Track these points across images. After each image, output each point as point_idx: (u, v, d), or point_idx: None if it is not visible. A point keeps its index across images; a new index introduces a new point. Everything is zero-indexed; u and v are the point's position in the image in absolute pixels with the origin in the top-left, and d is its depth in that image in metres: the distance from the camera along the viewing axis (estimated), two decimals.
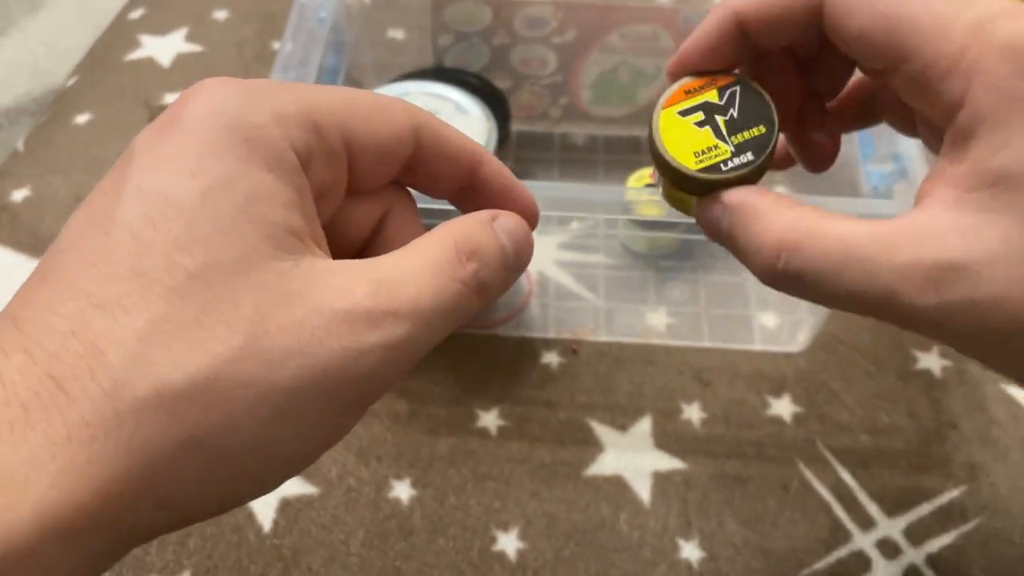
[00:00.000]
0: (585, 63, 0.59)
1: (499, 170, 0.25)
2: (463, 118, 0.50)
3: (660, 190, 0.27)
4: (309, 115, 0.21)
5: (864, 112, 0.30)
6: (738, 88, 0.25)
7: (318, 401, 0.19)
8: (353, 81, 0.59)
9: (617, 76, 0.59)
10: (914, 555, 0.44)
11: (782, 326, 0.53)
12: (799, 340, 0.52)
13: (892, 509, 0.45)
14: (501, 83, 0.58)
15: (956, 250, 0.20)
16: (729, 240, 0.25)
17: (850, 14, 0.23)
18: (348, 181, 0.23)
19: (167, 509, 0.18)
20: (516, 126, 0.61)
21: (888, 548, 0.44)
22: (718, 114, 0.25)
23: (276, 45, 0.69)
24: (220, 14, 0.73)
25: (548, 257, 0.56)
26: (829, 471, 0.47)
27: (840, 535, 0.44)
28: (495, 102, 0.53)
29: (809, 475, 0.47)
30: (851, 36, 0.23)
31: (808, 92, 0.29)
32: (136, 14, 0.73)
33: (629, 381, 0.50)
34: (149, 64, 0.68)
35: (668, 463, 0.47)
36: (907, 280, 0.20)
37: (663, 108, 0.25)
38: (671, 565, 0.43)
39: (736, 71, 0.26)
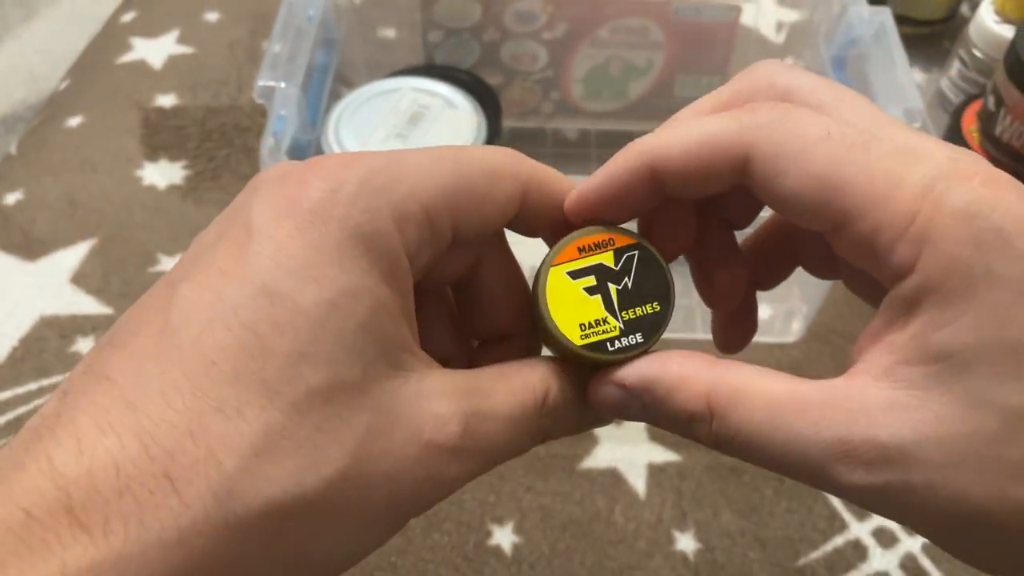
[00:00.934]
0: (576, 58, 0.59)
1: None
2: (452, 112, 0.50)
3: (537, 328, 0.24)
4: (425, 209, 0.21)
5: (778, 258, 0.27)
6: (636, 254, 0.23)
7: (398, 518, 0.20)
8: (344, 79, 0.59)
9: (608, 70, 0.59)
10: (911, 543, 0.44)
11: (776, 317, 0.53)
12: (793, 331, 0.52)
13: None
14: (492, 79, 0.58)
15: (886, 430, 0.18)
16: (650, 418, 0.22)
17: (781, 175, 0.20)
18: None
19: None
20: (508, 122, 0.61)
21: (884, 537, 0.44)
22: (611, 281, 0.23)
23: None
24: (211, 15, 0.73)
25: (540, 252, 0.55)
26: None
27: (836, 524, 0.44)
28: (486, 98, 0.53)
29: None
30: (782, 198, 0.20)
31: (715, 219, 0.25)
32: (127, 17, 0.73)
33: None
34: (141, 66, 0.68)
35: (663, 455, 0.47)
36: (835, 456, 0.19)
37: (552, 265, 0.22)
38: (667, 556, 0.43)
39: (634, 233, 0.24)
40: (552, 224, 0.24)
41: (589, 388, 0.23)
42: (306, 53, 0.47)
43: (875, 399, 0.19)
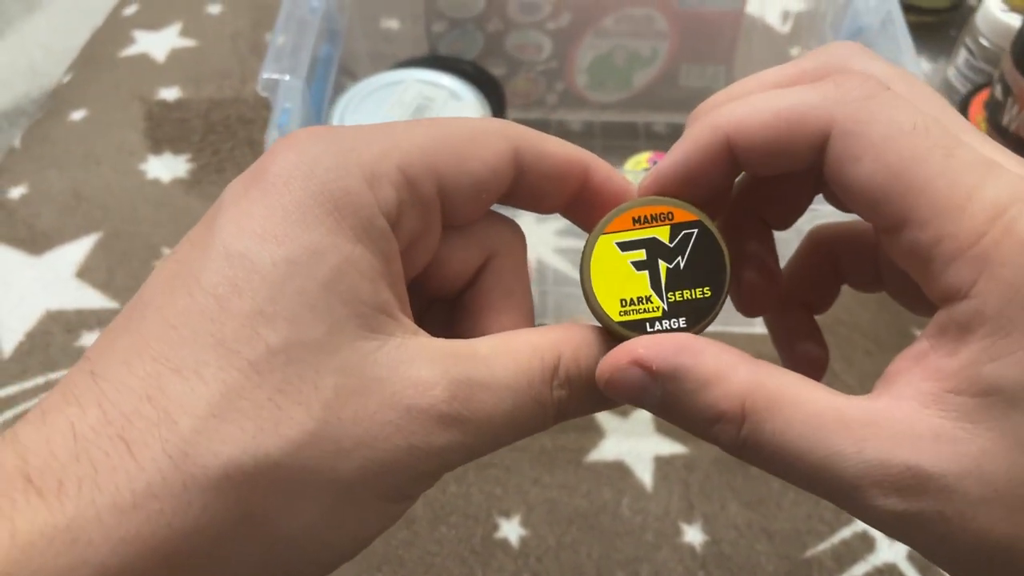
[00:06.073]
0: (580, 48, 0.58)
1: (608, 176, 0.23)
2: (457, 104, 0.49)
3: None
4: (401, 169, 0.20)
5: (822, 278, 0.27)
6: (695, 232, 0.21)
7: (378, 492, 0.19)
8: (348, 71, 0.59)
9: (612, 60, 0.59)
10: None
11: None
12: None
13: None
14: (496, 70, 0.58)
15: (929, 457, 0.18)
16: (667, 411, 0.20)
17: (855, 159, 0.19)
18: (442, 219, 0.22)
19: None
20: (512, 113, 0.61)
21: None
22: (663, 258, 0.21)
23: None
24: (214, 8, 0.72)
25: (547, 244, 0.55)
26: None
27: (843, 516, 0.44)
28: (490, 89, 0.53)
29: None
30: (852, 185, 0.19)
31: (751, 218, 0.24)
32: (130, 10, 0.73)
33: None
34: (143, 60, 0.68)
35: (669, 447, 0.47)
36: (873, 479, 0.18)
37: (602, 233, 0.21)
38: (674, 549, 0.43)
39: (697, 210, 0.22)
40: (559, 194, 0.23)
41: (603, 363, 0.21)
42: (310, 45, 0.47)
43: (921, 426, 0.18)
